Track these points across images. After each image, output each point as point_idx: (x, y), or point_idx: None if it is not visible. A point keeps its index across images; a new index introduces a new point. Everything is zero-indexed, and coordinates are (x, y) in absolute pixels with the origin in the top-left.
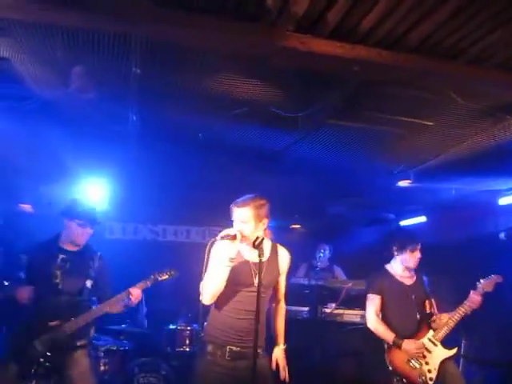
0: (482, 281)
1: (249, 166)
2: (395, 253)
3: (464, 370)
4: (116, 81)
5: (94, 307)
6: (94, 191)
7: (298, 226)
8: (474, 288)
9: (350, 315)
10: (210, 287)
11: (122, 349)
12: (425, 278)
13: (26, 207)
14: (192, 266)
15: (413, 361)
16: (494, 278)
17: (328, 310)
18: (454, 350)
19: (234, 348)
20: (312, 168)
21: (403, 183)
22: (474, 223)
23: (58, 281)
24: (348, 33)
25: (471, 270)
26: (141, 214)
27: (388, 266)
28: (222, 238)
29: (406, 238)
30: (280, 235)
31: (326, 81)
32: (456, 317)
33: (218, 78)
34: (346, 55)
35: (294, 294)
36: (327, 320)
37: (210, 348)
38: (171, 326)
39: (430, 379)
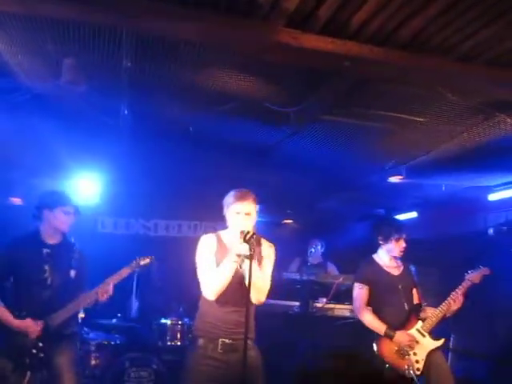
0: (469, 272)
1: (241, 161)
2: (380, 242)
3: (452, 364)
4: (107, 74)
5: (74, 300)
6: (86, 185)
7: (291, 221)
8: (462, 279)
9: (341, 310)
10: (218, 283)
11: (112, 343)
12: (412, 268)
13: (16, 201)
14: (183, 260)
15: (401, 351)
16: (482, 271)
17: (319, 305)
18: (441, 341)
19: (227, 340)
20: (304, 163)
21: (394, 179)
22: (463, 219)
23: (46, 275)
24: (339, 28)
25: (460, 264)
26: (133, 208)
27: (375, 256)
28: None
29: (391, 228)
30: (272, 230)
31: (318, 76)
32: (443, 308)
33: (210, 72)
34: (338, 51)
35: (286, 289)
36: (318, 315)
37: (201, 342)
38: (162, 321)
39: (417, 369)
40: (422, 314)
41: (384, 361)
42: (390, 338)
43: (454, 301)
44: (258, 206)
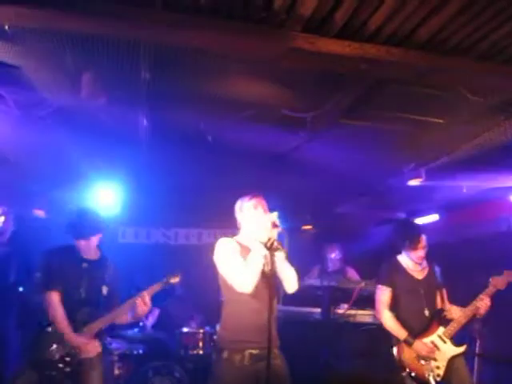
0: (493, 277)
1: (259, 167)
2: (401, 248)
3: (480, 369)
4: (126, 86)
5: (106, 315)
6: (106, 196)
7: (310, 227)
8: (487, 284)
9: (363, 316)
10: (252, 273)
11: (135, 353)
12: (437, 269)
13: (40, 213)
14: (204, 268)
15: (422, 357)
16: (508, 275)
17: (340, 311)
18: (463, 348)
19: (254, 351)
20: (322, 168)
21: (414, 182)
22: (485, 221)
23: (81, 290)
24: (356, 31)
25: (483, 268)
26: (153, 217)
27: (400, 258)
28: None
29: (406, 236)
30: (291, 237)
31: (336, 80)
32: (467, 313)
33: (227, 80)
34: (355, 54)
35: (307, 296)
36: (340, 321)
37: (226, 354)
38: (184, 329)
39: (438, 375)
40: (448, 315)
41: (403, 366)
42: (409, 345)
43: (480, 306)
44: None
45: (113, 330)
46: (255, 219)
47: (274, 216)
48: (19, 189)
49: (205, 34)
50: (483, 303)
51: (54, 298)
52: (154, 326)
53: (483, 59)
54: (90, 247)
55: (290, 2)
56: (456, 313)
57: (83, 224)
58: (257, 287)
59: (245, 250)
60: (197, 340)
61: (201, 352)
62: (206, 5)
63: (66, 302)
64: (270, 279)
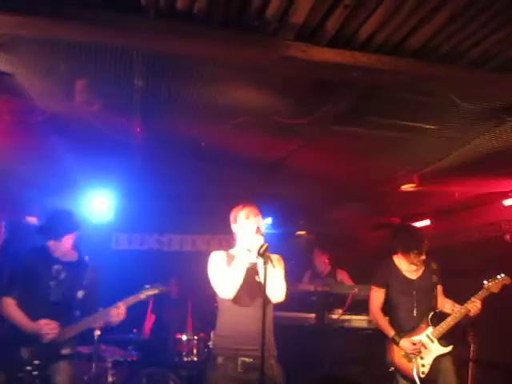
0: (487, 281)
1: (253, 174)
2: (399, 250)
3: (474, 375)
4: (119, 93)
5: (80, 320)
6: (100, 202)
7: (304, 233)
8: (480, 287)
9: (358, 321)
10: (233, 279)
11: (129, 359)
12: (434, 266)
13: (33, 220)
14: (198, 274)
15: (408, 355)
16: (502, 279)
17: (335, 316)
18: (450, 348)
19: (247, 359)
20: (316, 174)
21: (407, 187)
22: (478, 225)
23: (50, 291)
24: (347, 40)
25: (475, 273)
26: (146, 224)
27: (395, 258)
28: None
29: (411, 243)
30: (285, 242)
31: (328, 87)
32: (457, 314)
33: (221, 87)
34: (347, 62)
35: (300, 301)
36: (335, 327)
37: (220, 360)
38: (178, 336)
39: (423, 373)
40: (443, 310)
41: (392, 363)
42: (396, 343)
43: (470, 309)
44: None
45: (105, 336)
46: (245, 229)
47: (261, 222)
48: (12, 196)
49: (197, 43)
50: (474, 305)
51: (9, 303)
52: (149, 333)
53: (474, 67)
54: (62, 248)
55: (282, 11)
56: (448, 308)
57: (53, 224)
58: (249, 295)
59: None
60: (191, 347)
61: (195, 359)
62: (199, 13)
63: (34, 304)
64: (262, 287)
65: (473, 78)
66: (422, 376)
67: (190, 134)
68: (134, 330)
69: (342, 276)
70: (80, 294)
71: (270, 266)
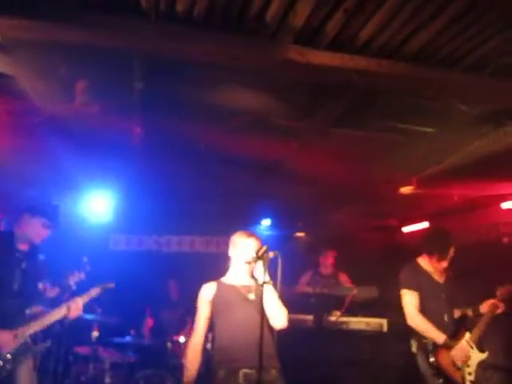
0: (499, 288)
1: (252, 175)
2: (425, 251)
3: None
4: (119, 95)
5: (46, 313)
6: (99, 203)
7: (302, 234)
8: (494, 295)
9: (356, 323)
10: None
11: (127, 361)
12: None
13: None
14: (197, 275)
15: (456, 363)
16: (508, 287)
17: (333, 318)
18: (486, 354)
19: (248, 371)
20: (314, 176)
21: (406, 190)
22: (476, 228)
23: (15, 282)
24: (346, 44)
25: (472, 275)
26: (145, 224)
27: (420, 260)
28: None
29: (439, 247)
30: (284, 244)
31: (327, 90)
32: (485, 320)
33: (220, 89)
34: (345, 65)
35: (299, 303)
36: (333, 328)
37: (221, 374)
38: (176, 338)
39: (471, 382)
40: (483, 309)
41: (440, 372)
42: (449, 348)
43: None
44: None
45: (103, 338)
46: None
47: (262, 247)
48: (11, 196)
49: (197, 45)
50: (496, 306)
51: None
52: (147, 335)
53: (472, 71)
54: (25, 231)
55: (281, 15)
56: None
57: (40, 203)
58: (244, 310)
59: (228, 290)
60: None
61: None
62: (199, 17)
63: None
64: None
65: (471, 82)
66: None
67: (190, 136)
68: (132, 332)
69: (344, 279)
70: (41, 286)
71: (269, 290)
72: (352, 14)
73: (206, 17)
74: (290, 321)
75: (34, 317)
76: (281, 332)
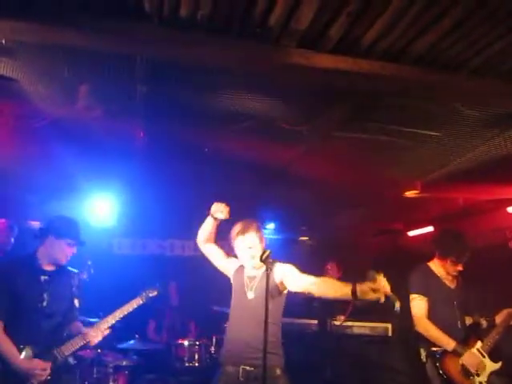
0: None
1: (255, 179)
2: (437, 254)
3: None
4: (122, 98)
5: (87, 329)
6: (102, 207)
7: (306, 239)
8: (506, 303)
9: (360, 327)
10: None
11: (131, 365)
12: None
13: (35, 224)
14: (200, 279)
15: (466, 371)
16: None
17: (337, 323)
18: (500, 364)
19: (247, 368)
20: (318, 180)
21: (410, 193)
22: (482, 232)
23: (44, 304)
24: (351, 47)
25: (478, 280)
26: (148, 229)
27: (431, 264)
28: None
29: (454, 249)
30: (288, 248)
31: (331, 93)
32: (499, 329)
33: (224, 93)
34: (350, 69)
35: (303, 307)
36: (337, 333)
37: (223, 369)
38: (180, 341)
39: None
40: (498, 319)
41: (448, 380)
42: (459, 355)
43: (510, 319)
44: (262, 233)
45: (107, 341)
46: (239, 256)
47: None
48: (15, 200)
49: (201, 50)
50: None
51: None
52: (151, 338)
53: (478, 74)
54: (52, 254)
55: (285, 18)
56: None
57: (64, 222)
58: (246, 308)
59: (240, 269)
60: (193, 352)
61: (197, 364)
62: (203, 21)
63: (29, 317)
64: (261, 298)
65: (477, 85)
66: None
67: (194, 140)
68: (136, 336)
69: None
70: (77, 302)
71: (291, 274)
72: (356, 18)
73: (210, 21)
74: (295, 325)
75: (71, 336)
76: (285, 336)
